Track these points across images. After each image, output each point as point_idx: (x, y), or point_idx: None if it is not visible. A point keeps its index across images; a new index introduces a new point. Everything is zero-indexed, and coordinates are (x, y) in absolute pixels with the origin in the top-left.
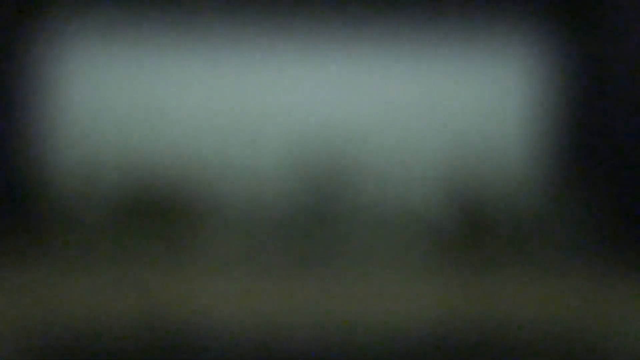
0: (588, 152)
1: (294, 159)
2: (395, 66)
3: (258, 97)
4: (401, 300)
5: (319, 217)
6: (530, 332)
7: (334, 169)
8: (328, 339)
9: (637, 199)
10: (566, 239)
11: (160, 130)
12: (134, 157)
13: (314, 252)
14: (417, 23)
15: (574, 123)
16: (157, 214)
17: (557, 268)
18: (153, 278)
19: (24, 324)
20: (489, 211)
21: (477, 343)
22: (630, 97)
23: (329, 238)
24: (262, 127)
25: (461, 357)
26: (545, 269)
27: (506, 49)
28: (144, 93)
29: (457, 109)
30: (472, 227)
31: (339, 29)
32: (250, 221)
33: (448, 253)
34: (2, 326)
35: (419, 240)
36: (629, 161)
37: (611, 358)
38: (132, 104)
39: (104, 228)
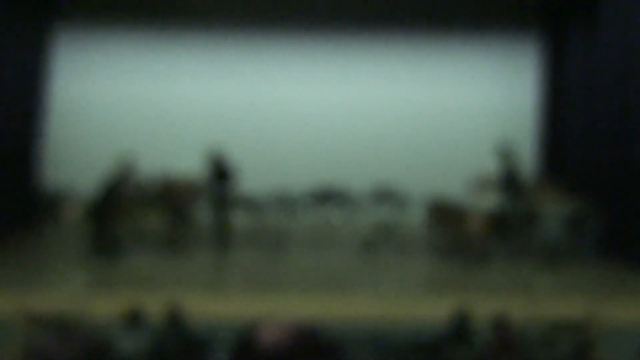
0: (587, 151)
1: (295, 160)
2: (389, 65)
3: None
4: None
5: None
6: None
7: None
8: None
9: (637, 198)
10: (565, 238)
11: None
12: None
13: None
14: (414, 22)
15: (573, 121)
16: None
17: (557, 267)
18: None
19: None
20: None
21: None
22: (630, 97)
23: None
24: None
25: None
26: (544, 268)
27: (503, 48)
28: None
29: (454, 109)
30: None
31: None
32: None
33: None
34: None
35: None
36: (629, 160)
37: (611, 357)
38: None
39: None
